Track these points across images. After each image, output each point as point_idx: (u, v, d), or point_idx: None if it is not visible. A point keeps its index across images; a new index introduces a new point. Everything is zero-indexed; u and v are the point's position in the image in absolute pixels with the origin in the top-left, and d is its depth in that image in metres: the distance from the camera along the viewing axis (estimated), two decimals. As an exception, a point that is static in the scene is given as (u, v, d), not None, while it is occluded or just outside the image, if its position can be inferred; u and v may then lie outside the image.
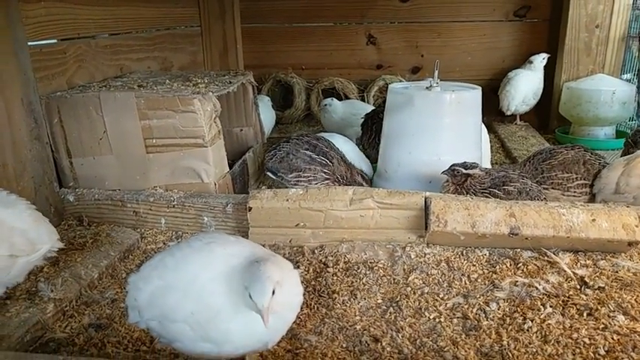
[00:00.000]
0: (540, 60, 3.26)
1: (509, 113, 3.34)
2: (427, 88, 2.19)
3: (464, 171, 1.83)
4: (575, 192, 1.95)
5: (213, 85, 2.16)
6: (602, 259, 1.55)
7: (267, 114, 3.18)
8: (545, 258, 1.57)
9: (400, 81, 3.55)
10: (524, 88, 3.27)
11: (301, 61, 3.79)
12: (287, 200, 1.72)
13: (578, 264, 1.55)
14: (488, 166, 2.32)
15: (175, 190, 1.94)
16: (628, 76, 3.22)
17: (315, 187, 1.77)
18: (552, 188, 1.95)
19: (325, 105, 3.01)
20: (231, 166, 2.17)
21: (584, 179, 1.94)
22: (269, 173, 2.25)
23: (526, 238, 1.56)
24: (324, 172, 2.14)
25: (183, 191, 1.93)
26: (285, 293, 1.00)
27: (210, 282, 1.04)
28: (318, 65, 3.78)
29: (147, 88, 2.02)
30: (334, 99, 3.05)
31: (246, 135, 2.62)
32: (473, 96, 2.14)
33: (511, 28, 3.52)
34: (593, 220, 1.53)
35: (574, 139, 3.04)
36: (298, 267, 1.60)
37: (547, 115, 3.47)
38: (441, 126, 2.09)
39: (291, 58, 3.78)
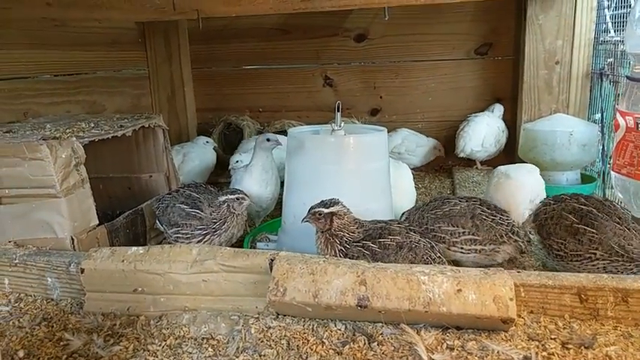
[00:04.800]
0: (498, 110, 3.05)
1: (462, 155, 3.06)
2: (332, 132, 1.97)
3: (325, 211, 1.57)
4: (462, 248, 1.66)
5: (97, 129, 2.00)
6: (473, 340, 1.25)
7: (206, 155, 3.00)
8: (404, 337, 1.28)
9: (353, 123, 3.34)
10: (483, 130, 3.01)
11: (258, 104, 3.63)
12: (123, 261, 1.49)
13: (444, 345, 1.25)
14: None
15: (30, 245, 1.74)
16: (599, 115, 2.91)
17: (158, 247, 1.53)
18: (437, 242, 1.68)
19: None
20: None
21: (473, 234, 1.66)
22: (158, 224, 2.06)
23: (379, 312, 1.28)
24: (200, 228, 1.91)
25: (39, 247, 1.73)
26: None
27: None
28: (276, 108, 3.61)
29: (15, 133, 1.87)
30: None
31: (157, 181, 2.43)
32: (374, 140, 1.91)
33: (473, 66, 3.27)
34: (459, 290, 1.24)
35: (535, 186, 2.73)
36: (119, 343, 1.36)
37: (514, 160, 3.17)
38: (336, 173, 1.85)
39: (248, 101, 3.63)
